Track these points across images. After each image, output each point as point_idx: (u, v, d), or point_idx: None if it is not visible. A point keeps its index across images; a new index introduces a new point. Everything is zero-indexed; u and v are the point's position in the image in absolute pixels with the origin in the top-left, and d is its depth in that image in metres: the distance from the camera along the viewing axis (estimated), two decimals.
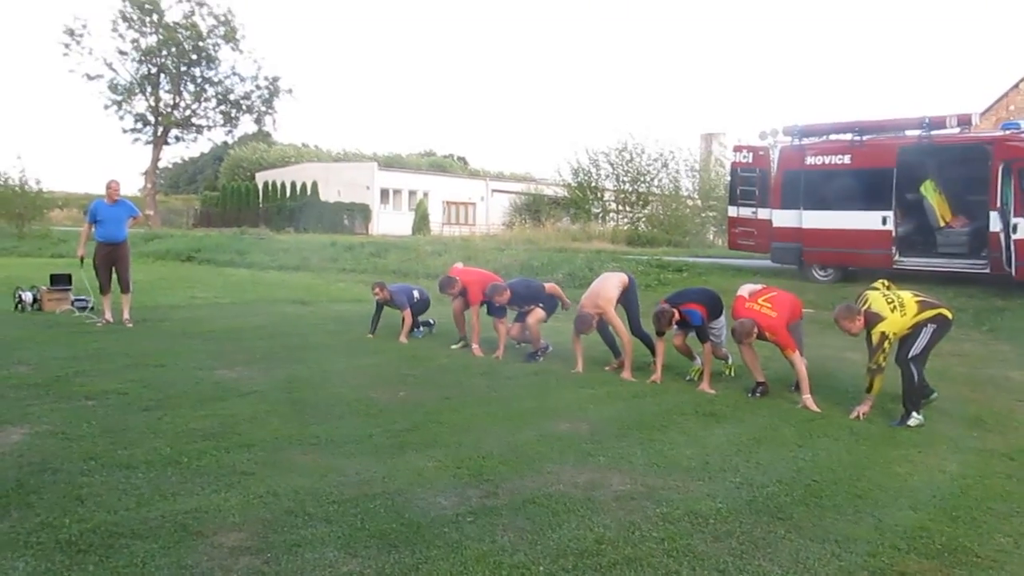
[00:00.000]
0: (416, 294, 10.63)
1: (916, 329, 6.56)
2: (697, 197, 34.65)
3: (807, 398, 6.86)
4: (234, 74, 48.01)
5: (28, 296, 11.93)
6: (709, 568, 3.66)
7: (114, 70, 45.66)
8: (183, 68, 46.53)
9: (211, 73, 47.41)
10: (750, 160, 16.91)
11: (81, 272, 11.66)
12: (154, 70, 46.19)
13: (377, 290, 10.53)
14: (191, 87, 47.68)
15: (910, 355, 6.56)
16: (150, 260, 22.27)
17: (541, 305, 9.03)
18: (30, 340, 9.23)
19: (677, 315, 7.64)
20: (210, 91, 47.96)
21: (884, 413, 6.64)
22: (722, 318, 8.01)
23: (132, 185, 52.23)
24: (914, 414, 6.43)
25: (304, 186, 42.60)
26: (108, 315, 10.76)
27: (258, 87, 48.05)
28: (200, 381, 7.29)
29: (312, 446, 5.38)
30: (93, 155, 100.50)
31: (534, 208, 39.83)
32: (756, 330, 7.04)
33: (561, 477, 4.86)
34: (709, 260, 19.39)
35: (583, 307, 8.27)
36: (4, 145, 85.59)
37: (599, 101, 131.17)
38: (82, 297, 11.98)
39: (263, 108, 48.91)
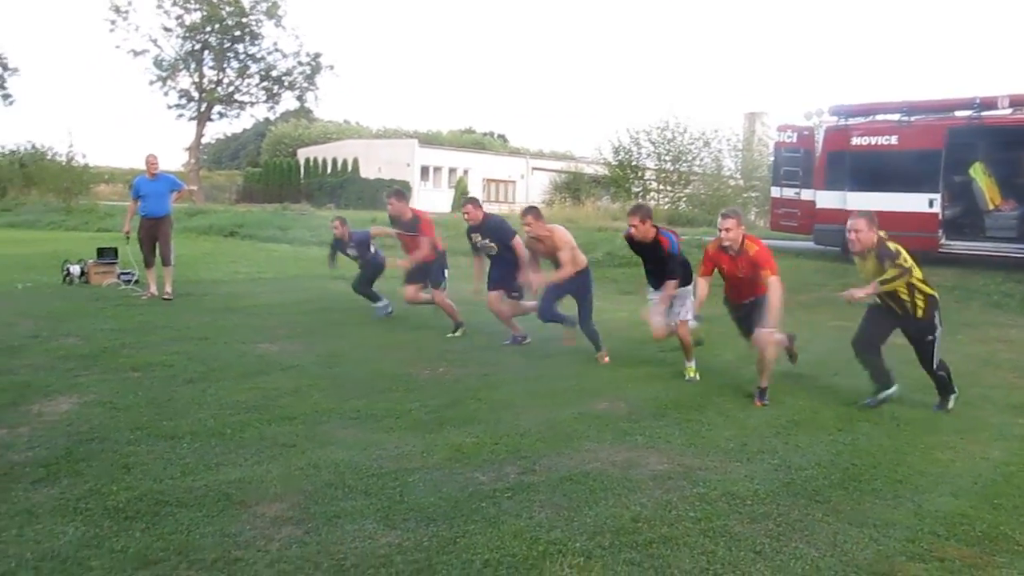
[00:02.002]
0: (373, 249, 10.21)
1: (928, 326, 6.31)
2: (739, 177, 34.25)
3: (769, 331, 6.33)
4: (276, 50, 48.10)
5: (76, 269, 12.17)
6: (745, 549, 3.66)
7: (159, 46, 46.06)
8: (226, 44, 46.79)
9: (254, 49, 47.64)
10: (794, 140, 16.70)
11: (127, 247, 11.88)
12: (198, 46, 46.52)
13: (336, 224, 10.23)
14: (234, 63, 47.98)
15: (935, 366, 6.39)
16: (194, 235, 22.53)
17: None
18: (78, 312, 9.42)
19: (654, 230, 7.06)
20: (253, 67, 48.22)
21: (923, 404, 6.55)
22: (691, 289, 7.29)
23: (176, 161, 52.74)
24: (951, 398, 6.41)
25: (345, 163, 42.82)
26: (153, 288, 10.93)
27: (300, 63, 48.21)
28: (243, 355, 7.41)
29: (352, 420, 5.46)
30: (138, 131, 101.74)
31: (574, 187, 39.65)
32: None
33: (598, 455, 4.88)
34: None
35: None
36: (53, 120, 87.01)
37: (641, 79, 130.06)
38: (128, 271, 12.20)
39: (305, 84, 49.06)
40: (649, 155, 33.56)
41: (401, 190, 9.55)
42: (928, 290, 6.28)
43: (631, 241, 7.23)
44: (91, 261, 12.44)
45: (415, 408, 5.78)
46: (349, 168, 42.40)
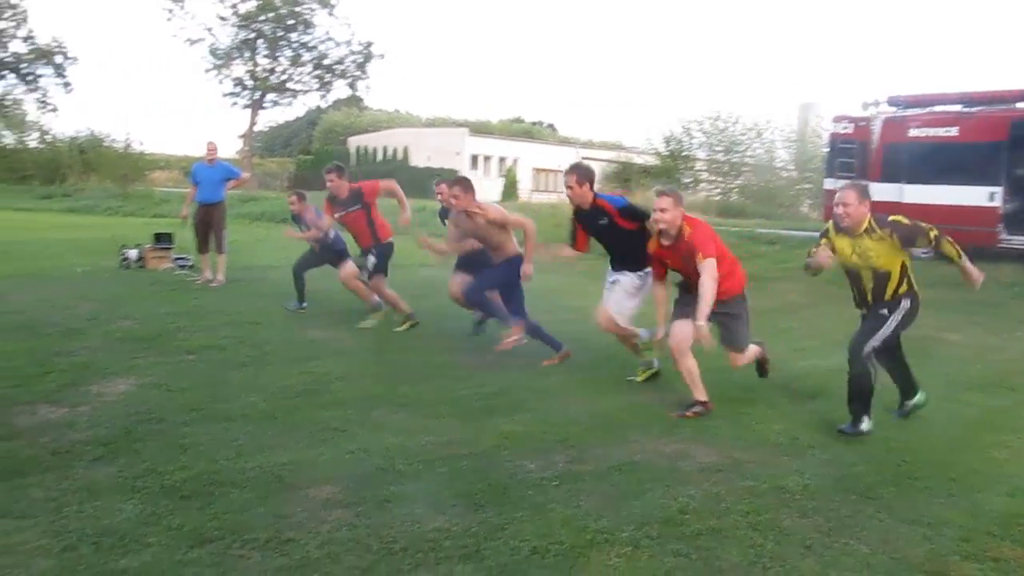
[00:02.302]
0: (332, 234, 9.03)
1: (892, 305, 5.35)
2: (792, 168, 33.84)
3: (701, 324, 5.32)
4: (329, 39, 48.54)
5: (133, 254, 12.44)
6: (795, 543, 3.63)
7: (214, 35, 46.77)
8: (279, 33, 47.29)
9: (307, 38, 48.11)
10: (850, 131, 16.45)
11: (184, 232, 12.11)
12: (252, 35, 47.09)
13: (294, 199, 9.51)
14: (287, 52, 48.50)
15: (865, 351, 5.32)
16: (247, 221, 22.82)
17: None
18: (134, 296, 9.64)
19: (591, 194, 6.29)
20: (306, 56, 48.70)
21: (978, 403, 6.40)
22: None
23: (229, 148, 53.62)
24: (865, 418, 5.31)
25: (395, 151, 43.10)
26: (207, 273, 11.12)
27: (352, 52, 48.59)
28: (294, 340, 7.53)
29: (401, 406, 5.51)
30: (194, 118, 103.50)
31: (624, 176, 39.44)
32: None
33: (646, 446, 4.87)
34: (803, 234, 18.90)
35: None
36: (111, 108, 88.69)
37: (692, 68, 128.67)
38: (183, 256, 12.44)
39: (356, 73, 49.46)
40: (700, 145, 33.32)
41: (341, 165, 8.51)
42: (913, 280, 5.39)
43: (576, 211, 6.50)
44: (148, 246, 12.71)
45: (464, 395, 5.81)
46: (399, 157, 42.66)
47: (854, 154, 16.28)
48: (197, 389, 5.74)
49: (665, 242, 5.65)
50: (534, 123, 67.95)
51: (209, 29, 46.56)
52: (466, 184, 6.98)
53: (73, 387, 5.67)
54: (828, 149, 18.23)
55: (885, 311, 5.34)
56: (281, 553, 3.35)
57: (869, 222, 5.23)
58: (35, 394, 5.45)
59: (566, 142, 55.18)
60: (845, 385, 5.35)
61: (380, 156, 43.37)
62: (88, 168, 35.00)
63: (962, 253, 5.19)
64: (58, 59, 46.37)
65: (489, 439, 4.86)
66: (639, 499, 4.05)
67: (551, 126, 69.95)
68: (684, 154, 33.73)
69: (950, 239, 5.16)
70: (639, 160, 39.23)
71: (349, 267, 8.46)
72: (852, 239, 5.29)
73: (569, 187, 6.29)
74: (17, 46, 41.39)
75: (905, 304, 5.32)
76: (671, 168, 33.55)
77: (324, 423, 5.06)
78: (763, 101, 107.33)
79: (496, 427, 5.09)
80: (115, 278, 11.30)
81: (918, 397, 5.70)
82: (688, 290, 5.74)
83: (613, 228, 6.28)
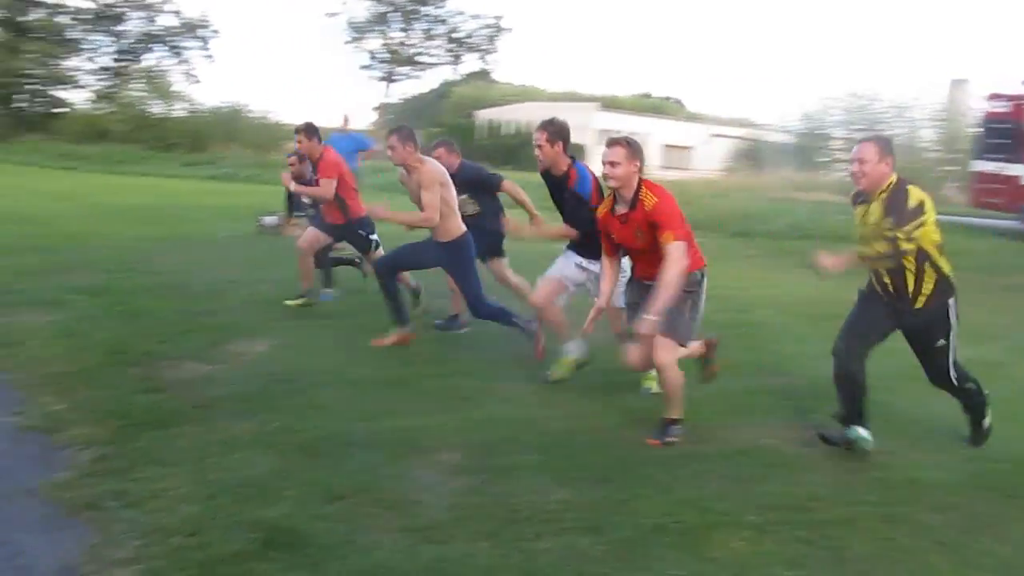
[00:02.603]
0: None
1: (937, 323, 4.47)
2: (937, 148, 32.19)
3: (650, 319, 4.28)
4: (460, 12, 49.13)
5: (269, 220, 12.87)
6: (929, 539, 3.50)
7: (350, 9, 47.96)
8: (413, 7, 48.07)
9: (439, 12, 48.78)
10: (1006, 110, 15.52)
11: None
12: (387, 9, 48.04)
13: (293, 160, 8.36)
14: (421, 25, 49.30)
15: (956, 378, 4.61)
16: (376, 192, 23.38)
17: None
18: (271, 261, 9.97)
19: (567, 160, 5.34)
20: (438, 30, 49.40)
21: None
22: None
23: (364, 120, 55.00)
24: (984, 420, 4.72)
25: (523, 125, 43.21)
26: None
27: (484, 26, 49.00)
28: (423, 309, 7.66)
29: (528, 379, 5.57)
30: (328, 90, 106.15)
31: (755, 154, 38.40)
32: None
33: (774, 431, 4.77)
34: (947, 218, 17.96)
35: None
36: (249, 79, 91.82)
37: (832, 41, 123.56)
38: None
39: (487, 47, 49.87)
40: (838, 123, 32.13)
41: (312, 124, 7.42)
42: (944, 266, 4.37)
43: (544, 175, 5.50)
44: (283, 213, 13.16)
45: (589, 371, 5.80)
46: (527, 131, 42.78)
47: (1009, 134, 15.37)
48: (330, 353, 5.95)
49: (620, 209, 4.56)
50: (663, 98, 66.82)
51: (345, 2, 47.75)
52: (404, 133, 5.81)
53: (215, 345, 5.96)
54: (981, 128, 17.26)
55: (941, 341, 4.47)
56: (408, 514, 3.46)
57: (890, 186, 4.26)
58: (181, 350, 5.76)
59: (695, 118, 54.07)
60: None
61: (509, 130, 43.56)
62: (229, 137, 36.43)
63: (867, 260, 4.28)
64: (202, 32, 48.44)
65: (613, 416, 4.87)
66: (764, 484, 3.98)
67: (678, 102, 68.64)
68: (819, 132, 32.56)
69: (885, 260, 4.22)
70: (770, 137, 38.11)
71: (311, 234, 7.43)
72: (867, 206, 4.35)
73: (538, 145, 5.27)
74: (166, 19, 43.35)
75: (949, 314, 4.42)
76: (806, 147, 32.49)
77: (452, 391, 5.17)
78: (912, 78, 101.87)
79: (621, 404, 5.10)
80: (253, 243, 11.76)
81: (861, 434, 4.46)
82: (642, 281, 4.72)
83: (578, 208, 5.29)
